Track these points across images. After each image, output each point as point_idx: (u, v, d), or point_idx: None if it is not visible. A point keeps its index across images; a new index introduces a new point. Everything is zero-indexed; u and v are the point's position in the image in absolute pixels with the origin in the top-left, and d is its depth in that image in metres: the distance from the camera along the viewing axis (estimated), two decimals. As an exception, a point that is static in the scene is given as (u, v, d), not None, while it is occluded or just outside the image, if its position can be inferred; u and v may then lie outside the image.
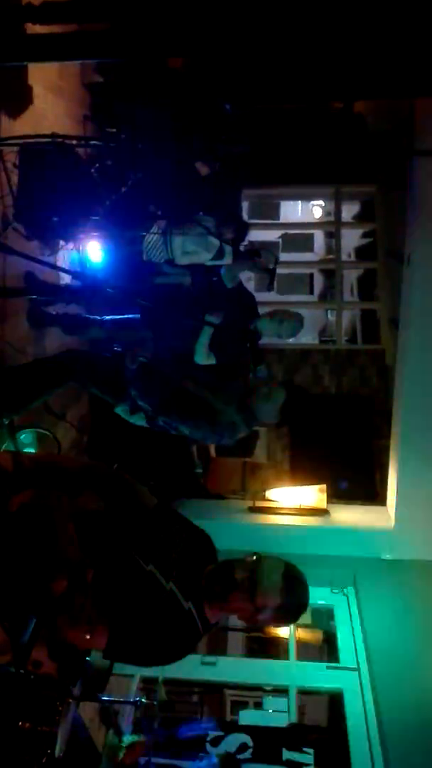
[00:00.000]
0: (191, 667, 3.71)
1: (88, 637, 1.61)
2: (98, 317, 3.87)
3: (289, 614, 1.74)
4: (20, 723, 2.14)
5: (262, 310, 3.89)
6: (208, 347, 3.48)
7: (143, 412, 2.98)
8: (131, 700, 2.95)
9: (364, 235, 6.83)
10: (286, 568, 1.75)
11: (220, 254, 3.79)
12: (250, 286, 5.00)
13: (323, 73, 2.57)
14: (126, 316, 3.71)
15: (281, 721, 3.51)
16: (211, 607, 1.69)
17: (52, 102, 4.09)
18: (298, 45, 2.56)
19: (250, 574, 1.67)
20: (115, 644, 1.58)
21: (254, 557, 1.73)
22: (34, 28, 3.00)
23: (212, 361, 3.52)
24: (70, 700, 2.25)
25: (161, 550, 1.70)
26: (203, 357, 3.52)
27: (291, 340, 7.59)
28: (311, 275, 8.23)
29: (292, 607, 1.72)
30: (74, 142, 3.37)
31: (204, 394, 2.98)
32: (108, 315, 3.80)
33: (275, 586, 1.66)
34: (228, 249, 3.77)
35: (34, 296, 3.72)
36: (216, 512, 4.63)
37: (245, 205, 6.26)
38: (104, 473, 1.87)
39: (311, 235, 8.11)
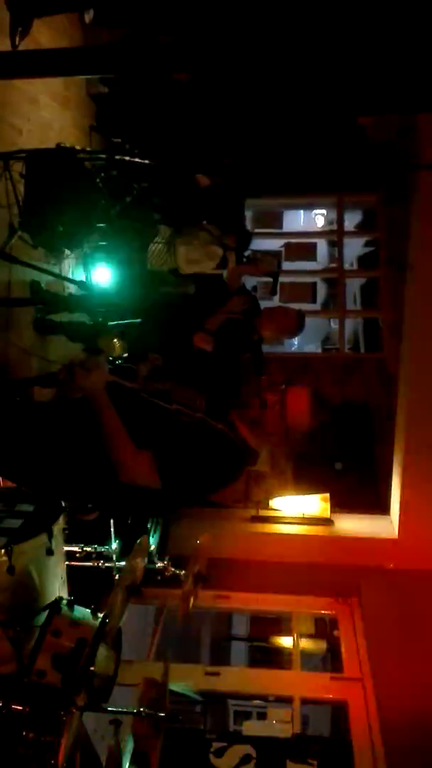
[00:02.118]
0: (195, 677, 3.69)
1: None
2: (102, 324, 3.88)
3: None
4: (24, 732, 2.14)
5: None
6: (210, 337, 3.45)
7: None
8: (134, 710, 2.93)
9: (367, 244, 6.86)
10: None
11: (223, 263, 3.81)
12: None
13: (329, 87, 2.59)
14: (128, 321, 3.72)
15: (285, 731, 3.49)
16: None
17: (58, 112, 4.13)
18: (304, 57, 2.58)
19: None
20: (163, 466, 1.71)
21: None
22: (40, 41, 3.05)
23: (208, 348, 3.49)
24: (74, 710, 2.24)
25: (185, 395, 1.89)
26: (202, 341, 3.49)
27: (293, 348, 7.60)
28: (314, 284, 8.26)
29: None
30: (79, 151, 3.39)
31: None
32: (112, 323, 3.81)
33: None
34: (232, 258, 3.79)
35: (40, 305, 3.74)
36: (219, 521, 4.63)
37: (248, 214, 6.29)
38: None
39: (314, 244, 8.13)
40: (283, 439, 1.85)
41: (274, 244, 7.46)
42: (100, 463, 1.78)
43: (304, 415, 1.86)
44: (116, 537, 3.39)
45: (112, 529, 3.38)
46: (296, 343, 7.82)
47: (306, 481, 5.19)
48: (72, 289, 4.08)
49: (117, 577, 3.14)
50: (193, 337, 3.38)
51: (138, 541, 3.02)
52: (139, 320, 3.60)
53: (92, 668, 2.31)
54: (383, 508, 4.77)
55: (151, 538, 3.54)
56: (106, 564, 3.40)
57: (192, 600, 3.06)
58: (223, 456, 1.79)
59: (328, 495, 4.69)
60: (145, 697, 2.94)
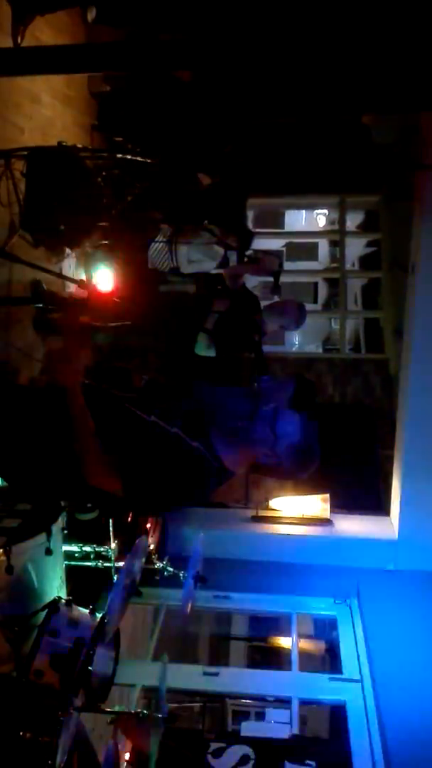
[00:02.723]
0: (193, 678, 3.69)
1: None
2: (103, 324, 3.88)
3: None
4: (21, 733, 2.14)
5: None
6: (210, 338, 3.46)
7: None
8: (132, 711, 2.92)
9: (369, 245, 6.84)
10: None
11: (224, 263, 3.81)
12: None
13: (331, 87, 2.59)
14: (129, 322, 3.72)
15: (283, 732, 3.48)
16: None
17: (60, 111, 4.12)
18: (306, 57, 2.57)
19: None
20: (127, 480, 1.69)
21: None
22: (42, 39, 3.04)
23: (212, 353, 3.50)
24: (72, 711, 2.24)
25: (165, 406, 1.85)
26: (203, 348, 3.51)
27: (294, 348, 7.59)
28: (315, 284, 8.24)
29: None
30: (81, 150, 3.39)
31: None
32: (113, 323, 3.81)
33: None
34: (233, 257, 3.79)
35: (41, 304, 3.73)
36: (219, 521, 4.62)
37: (250, 214, 6.28)
38: None
39: (315, 244, 8.11)
40: (272, 452, 1.79)
41: (276, 244, 7.44)
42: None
43: (295, 431, 1.81)
44: (115, 537, 3.39)
45: (110, 529, 3.38)
46: (297, 343, 7.80)
47: (305, 481, 5.18)
48: (73, 288, 4.08)
49: (115, 577, 3.14)
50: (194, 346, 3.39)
51: (136, 541, 3.02)
52: (137, 321, 3.62)
53: (90, 668, 2.31)
54: (383, 509, 4.77)
55: (149, 538, 3.54)
56: (105, 564, 3.40)
57: (190, 606, 3.06)
58: (193, 472, 1.75)
59: (327, 495, 4.68)
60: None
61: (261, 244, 5.98)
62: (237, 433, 1.81)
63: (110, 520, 3.36)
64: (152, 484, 1.73)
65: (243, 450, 1.82)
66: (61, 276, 3.51)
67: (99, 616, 2.51)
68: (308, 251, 7.89)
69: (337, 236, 6.58)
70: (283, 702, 3.79)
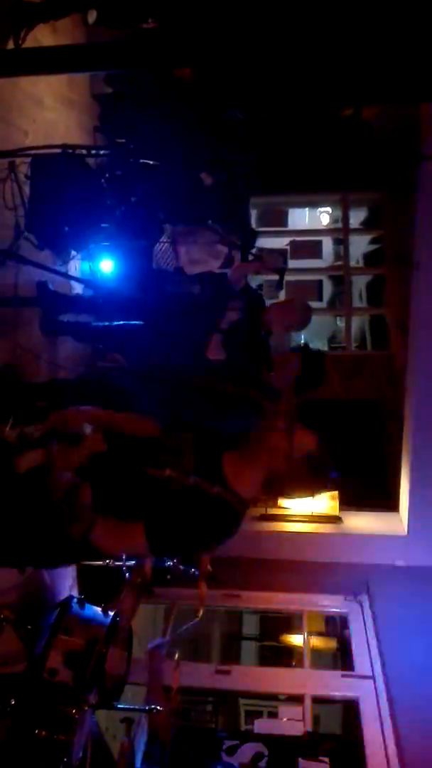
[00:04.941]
0: (205, 676, 3.69)
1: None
2: (108, 324, 3.89)
3: None
4: (36, 731, 2.15)
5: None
6: (221, 342, 3.45)
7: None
8: (146, 708, 2.93)
9: (372, 241, 6.83)
10: None
11: (228, 262, 3.81)
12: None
13: (331, 79, 2.59)
14: (133, 322, 3.72)
15: (296, 729, 3.48)
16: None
17: (63, 113, 4.14)
18: (306, 51, 2.58)
19: None
20: (153, 536, 1.68)
21: None
22: (42, 41, 3.06)
23: (221, 356, 3.50)
24: (86, 709, 2.25)
25: (174, 456, 1.82)
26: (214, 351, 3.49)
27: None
28: (320, 282, 8.23)
29: None
30: (84, 152, 3.40)
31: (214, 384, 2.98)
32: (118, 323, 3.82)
33: None
34: (237, 256, 3.79)
35: (47, 305, 3.75)
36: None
37: (253, 213, 6.29)
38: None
39: (319, 242, 8.10)
40: (286, 462, 1.77)
41: (279, 242, 7.44)
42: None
43: (311, 444, 1.79)
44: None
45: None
46: (302, 341, 7.80)
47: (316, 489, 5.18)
48: (78, 289, 4.10)
49: (127, 576, 3.15)
50: (206, 349, 3.38)
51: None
52: (141, 321, 3.62)
53: (104, 667, 2.32)
54: (392, 506, 4.76)
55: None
56: (116, 563, 3.40)
57: (202, 609, 3.07)
58: (216, 521, 1.75)
59: (337, 493, 4.68)
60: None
61: (265, 242, 5.99)
62: (250, 443, 1.82)
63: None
64: (180, 539, 1.74)
65: (258, 462, 1.80)
66: (67, 276, 3.52)
67: (111, 615, 2.51)
68: (312, 249, 7.89)
69: (340, 233, 6.57)
70: (296, 700, 3.79)
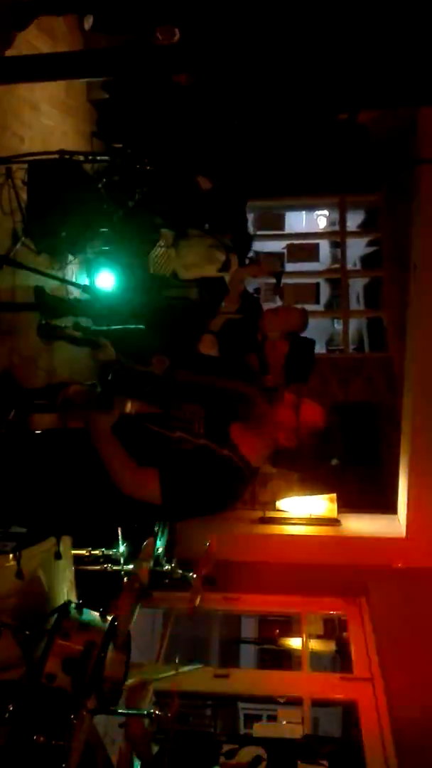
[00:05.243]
0: (204, 680, 3.69)
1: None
2: (105, 329, 3.89)
3: None
4: (35, 737, 2.15)
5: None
6: (215, 339, 3.45)
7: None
8: (145, 712, 2.93)
9: (370, 244, 6.85)
10: None
11: (226, 266, 3.81)
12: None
13: (328, 83, 2.60)
14: (131, 327, 3.73)
15: (295, 733, 3.48)
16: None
17: (60, 119, 4.15)
18: (303, 55, 2.59)
19: None
20: (166, 483, 1.74)
21: None
22: (38, 47, 3.07)
23: (214, 352, 3.50)
24: (85, 714, 2.25)
25: (185, 423, 1.89)
26: (207, 347, 3.50)
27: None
28: (317, 285, 8.26)
29: None
30: (81, 158, 3.41)
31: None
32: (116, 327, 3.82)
33: None
34: (234, 261, 3.80)
35: (44, 310, 3.75)
36: (227, 523, 4.63)
37: (250, 216, 6.31)
38: None
39: (316, 245, 8.14)
40: (294, 435, 1.84)
41: (277, 246, 7.47)
42: (99, 492, 1.81)
43: (318, 417, 1.86)
44: (124, 540, 3.40)
45: (119, 533, 3.39)
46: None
47: (312, 481, 5.19)
48: (76, 294, 4.10)
49: (125, 580, 3.15)
50: (198, 344, 3.38)
51: (144, 543, 3.03)
52: (142, 325, 3.62)
53: (102, 672, 2.32)
54: (390, 508, 4.76)
55: (158, 541, 3.55)
56: (114, 567, 3.41)
57: (198, 601, 3.07)
58: (226, 480, 1.81)
59: (335, 495, 4.68)
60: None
61: (262, 246, 6.01)
62: (260, 419, 1.86)
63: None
64: (190, 495, 1.78)
65: (265, 434, 1.85)
66: (64, 281, 3.53)
67: (109, 619, 2.51)
68: (309, 252, 7.92)
69: (337, 236, 6.59)
70: (295, 703, 3.79)
